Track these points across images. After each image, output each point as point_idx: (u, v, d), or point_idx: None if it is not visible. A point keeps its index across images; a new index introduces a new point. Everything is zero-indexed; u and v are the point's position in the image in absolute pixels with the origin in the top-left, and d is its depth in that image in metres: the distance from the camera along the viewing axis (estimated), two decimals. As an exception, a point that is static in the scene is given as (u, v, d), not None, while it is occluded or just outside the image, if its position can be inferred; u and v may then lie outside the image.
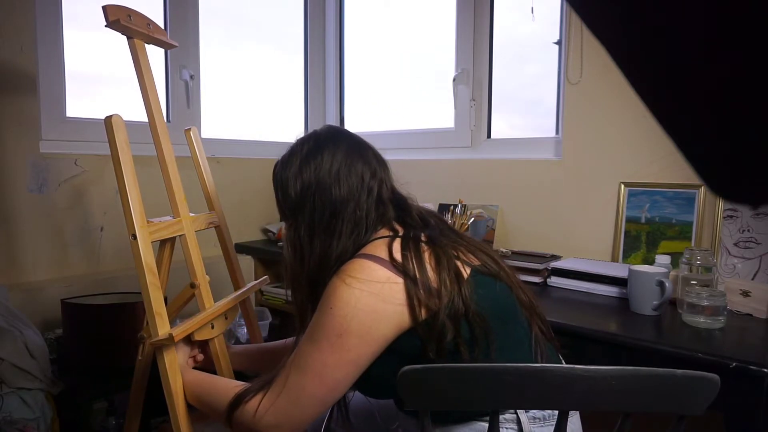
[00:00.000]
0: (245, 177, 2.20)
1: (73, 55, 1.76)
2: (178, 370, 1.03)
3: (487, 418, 0.82)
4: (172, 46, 1.32)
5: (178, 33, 2.03)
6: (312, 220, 0.93)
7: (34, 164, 1.64)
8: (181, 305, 1.21)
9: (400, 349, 0.84)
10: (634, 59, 0.26)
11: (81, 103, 1.81)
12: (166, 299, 1.09)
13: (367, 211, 0.93)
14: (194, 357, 1.19)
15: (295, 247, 0.95)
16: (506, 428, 0.87)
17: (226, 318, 1.22)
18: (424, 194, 2.07)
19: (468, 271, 0.88)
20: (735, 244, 1.42)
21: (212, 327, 1.16)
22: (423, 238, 0.90)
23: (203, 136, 2.12)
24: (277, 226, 2.19)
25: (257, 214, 2.27)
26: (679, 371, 0.69)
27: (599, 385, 0.69)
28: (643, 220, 1.63)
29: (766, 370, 0.95)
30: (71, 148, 1.74)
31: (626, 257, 1.65)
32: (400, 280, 0.83)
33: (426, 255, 0.87)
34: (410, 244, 0.88)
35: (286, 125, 2.58)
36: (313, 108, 2.61)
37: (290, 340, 1.07)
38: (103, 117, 1.05)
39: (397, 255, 0.85)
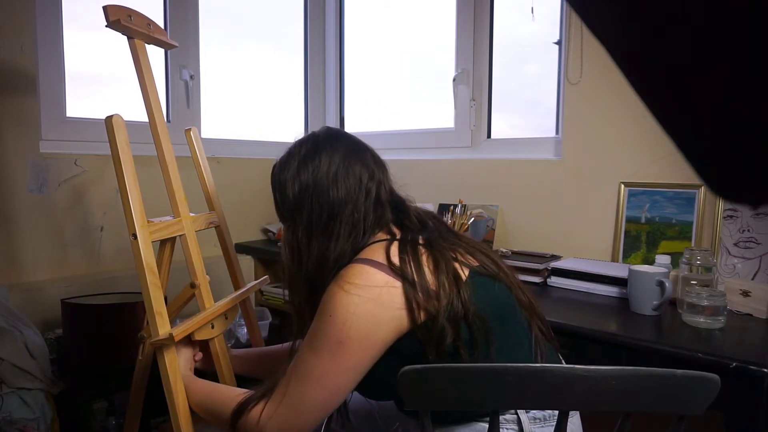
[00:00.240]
0: (245, 177, 2.20)
1: (73, 55, 1.76)
2: (178, 369, 1.03)
3: (488, 418, 0.82)
4: (172, 46, 1.32)
5: (178, 33, 2.03)
6: (310, 222, 0.93)
7: (34, 164, 1.64)
8: (181, 305, 1.21)
9: (400, 351, 0.84)
10: (634, 59, 0.26)
11: (81, 103, 1.81)
12: (166, 299, 1.09)
13: (365, 213, 0.93)
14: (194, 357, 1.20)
15: (292, 249, 0.95)
16: (507, 429, 0.87)
17: (226, 318, 1.22)
18: (424, 194, 2.07)
19: (466, 272, 0.88)
20: (735, 244, 1.42)
21: (212, 327, 1.16)
22: (421, 241, 0.90)
23: (203, 136, 2.12)
24: (277, 226, 2.19)
25: (257, 214, 2.27)
26: (679, 371, 0.69)
27: (599, 385, 0.69)
28: (643, 220, 1.63)
29: (766, 370, 0.95)
30: (71, 148, 1.74)
31: (626, 257, 1.65)
32: (398, 284, 0.83)
33: (424, 258, 0.87)
34: (408, 248, 0.88)
35: (286, 125, 2.58)
36: (313, 108, 2.61)
37: (290, 344, 1.07)
38: (103, 117, 1.05)
39: (395, 259, 0.85)
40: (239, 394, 0.94)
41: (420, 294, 0.82)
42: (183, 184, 1.23)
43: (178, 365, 1.04)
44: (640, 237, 1.63)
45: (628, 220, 1.66)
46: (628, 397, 0.70)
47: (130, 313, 1.47)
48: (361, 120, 2.62)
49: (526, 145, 1.99)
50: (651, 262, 1.48)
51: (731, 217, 1.44)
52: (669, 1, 0.23)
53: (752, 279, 1.38)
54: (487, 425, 0.82)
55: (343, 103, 2.63)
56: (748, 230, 1.41)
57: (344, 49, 2.61)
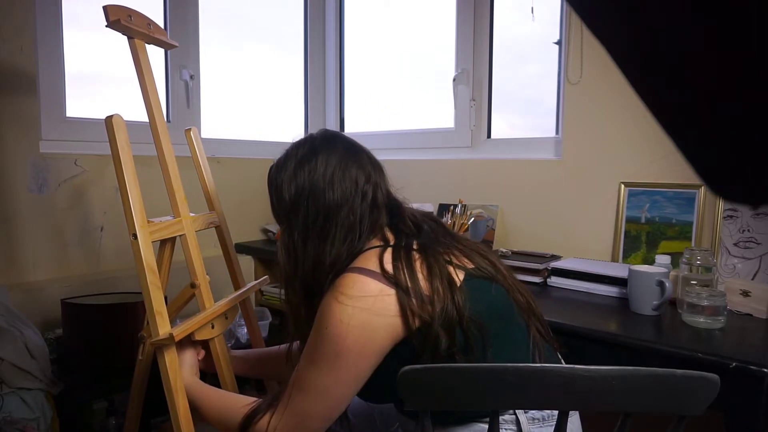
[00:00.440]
0: (245, 177, 2.20)
1: (73, 55, 1.76)
2: (178, 369, 1.03)
3: (487, 419, 0.82)
4: (172, 46, 1.32)
5: (178, 33, 2.03)
6: (305, 224, 0.93)
7: (34, 164, 1.64)
8: (182, 305, 1.22)
9: (397, 356, 0.85)
10: (634, 59, 0.26)
11: (81, 103, 1.81)
12: (166, 299, 1.09)
13: (361, 216, 0.93)
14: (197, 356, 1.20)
15: (288, 251, 0.95)
16: (505, 429, 0.87)
17: (226, 318, 1.22)
18: (424, 194, 2.08)
19: (461, 276, 0.88)
20: (735, 244, 1.42)
21: (212, 327, 1.16)
22: (415, 246, 0.90)
23: (203, 136, 2.12)
24: (277, 227, 2.18)
25: (257, 214, 2.27)
26: (679, 371, 0.69)
27: (599, 385, 0.69)
28: (643, 220, 1.63)
29: (766, 370, 0.95)
30: (71, 148, 1.74)
31: (626, 257, 1.65)
32: (392, 291, 0.83)
33: (417, 264, 0.87)
34: (401, 254, 0.88)
35: (286, 125, 2.58)
36: (313, 108, 2.61)
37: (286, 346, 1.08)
38: (103, 117, 1.05)
39: (388, 266, 0.86)
40: (246, 404, 0.95)
41: (414, 300, 0.82)
42: (183, 184, 1.23)
43: (178, 365, 1.04)
44: (640, 237, 1.63)
45: (628, 220, 1.66)
46: (628, 397, 0.70)
47: (130, 313, 1.47)
48: (361, 120, 2.62)
49: (526, 145, 1.99)
50: (651, 262, 1.48)
51: (731, 217, 1.44)
52: (669, 1, 0.23)
53: (752, 279, 1.38)
54: (486, 426, 0.82)
55: (343, 103, 2.62)
56: (748, 230, 1.41)
57: (344, 49, 2.61)
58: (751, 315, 1.27)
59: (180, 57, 2.06)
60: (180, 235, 1.19)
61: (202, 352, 1.20)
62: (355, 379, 0.85)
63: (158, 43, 1.27)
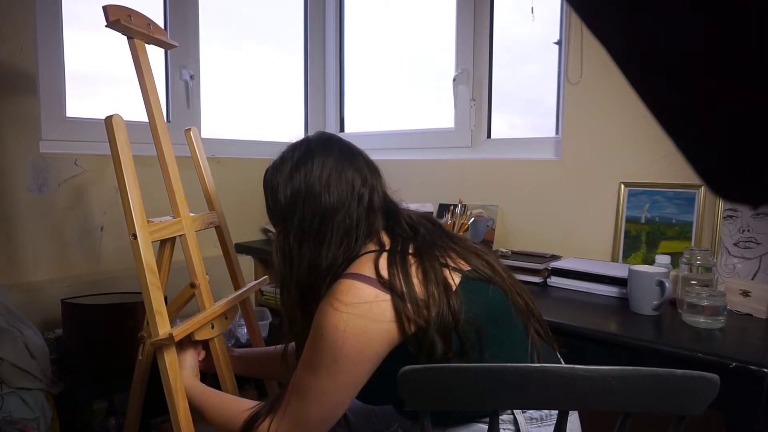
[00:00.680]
0: (245, 177, 2.20)
1: (73, 55, 1.76)
2: (178, 369, 1.03)
3: (487, 419, 0.82)
4: (172, 46, 1.32)
5: (178, 33, 2.03)
6: (301, 227, 0.93)
7: (34, 164, 1.64)
8: (181, 305, 1.22)
9: (394, 359, 0.85)
10: (634, 59, 0.26)
11: (81, 103, 1.81)
12: (166, 299, 1.09)
13: (357, 220, 0.92)
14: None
15: (284, 254, 0.96)
16: (504, 429, 0.87)
17: (226, 318, 1.22)
18: (424, 194, 2.08)
19: (458, 279, 0.88)
20: (735, 244, 1.42)
21: (212, 327, 1.16)
22: (410, 250, 0.90)
23: (203, 136, 2.12)
24: (277, 226, 2.19)
25: (257, 214, 2.27)
26: (679, 371, 0.69)
27: (599, 385, 0.69)
28: (643, 220, 1.63)
29: (766, 370, 0.95)
30: (71, 148, 1.74)
31: (626, 257, 1.65)
32: (387, 297, 0.83)
33: (413, 269, 0.87)
34: (397, 259, 0.88)
35: (286, 125, 2.58)
36: (313, 108, 2.61)
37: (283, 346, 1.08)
38: (103, 117, 1.05)
39: (384, 272, 0.85)
40: (247, 408, 0.95)
41: (409, 306, 0.82)
42: (183, 184, 1.23)
43: (178, 365, 1.04)
44: (640, 237, 1.63)
45: (628, 220, 1.66)
46: (628, 397, 0.70)
47: (130, 313, 1.47)
48: (361, 120, 2.62)
49: (526, 145, 1.99)
50: (651, 262, 1.48)
51: (731, 217, 1.44)
52: (669, 1, 0.23)
53: (752, 279, 1.38)
54: (485, 426, 0.82)
55: (343, 103, 2.62)
56: (748, 230, 1.41)
57: (344, 49, 2.61)
58: (751, 315, 1.27)
59: (180, 57, 2.06)
60: (180, 235, 1.19)
61: (203, 353, 1.20)
62: (353, 384, 0.85)
63: (158, 43, 1.27)
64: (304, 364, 0.88)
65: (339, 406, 0.87)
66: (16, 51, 1.60)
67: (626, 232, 1.66)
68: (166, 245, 1.20)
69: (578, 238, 1.77)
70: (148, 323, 1.02)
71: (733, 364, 0.97)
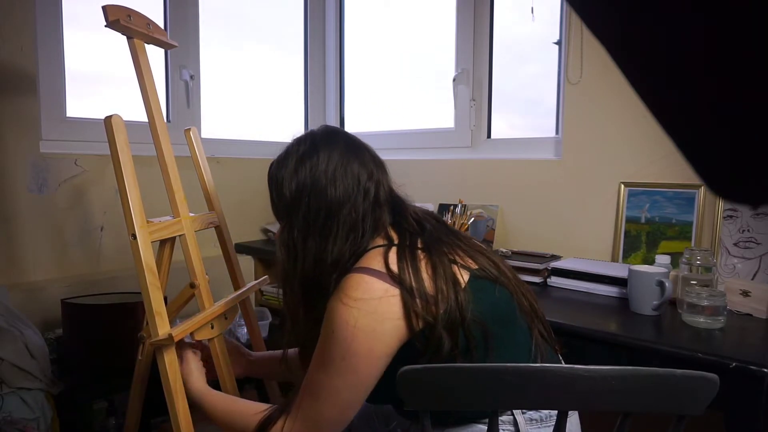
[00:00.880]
0: (245, 177, 2.20)
1: (73, 55, 1.76)
2: (178, 369, 1.03)
3: (486, 420, 0.82)
4: (172, 46, 1.32)
5: (178, 33, 2.03)
6: (306, 221, 0.92)
7: (34, 164, 1.64)
8: (181, 305, 1.21)
9: (396, 357, 0.84)
10: (634, 59, 0.26)
11: (81, 103, 1.81)
12: (166, 299, 1.09)
13: (364, 214, 0.91)
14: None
15: (288, 248, 0.94)
16: (503, 430, 0.87)
17: (226, 318, 1.22)
18: (424, 194, 2.07)
19: (466, 277, 0.87)
20: (735, 244, 1.42)
21: (212, 327, 1.16)
22: (419, 245, 0.89)
23: (203, 136, 2.12)
24: (277, 226, 2.18)
25: (257, 214, 2.27)
26: (679, 371, 0.69)
27: (599, 385, 0.69)
28: (643, 220, 1.63)
29: (766, 370, 0.95)
30: (71, 148, 1.74)
31: (626, 257, 1.65)
32: (396, 292, 0.83)
33: (422, 264, 0.86)
34: (406, 253, 0.87)
35: (286, 125, 2.58)
36: (313, 108, 2.61)
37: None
38: (103, 117, 1.05)
39: (393, 266, 0.85)
40: (259, 411, 0.94)
41: (418, 301, 0.82)
42: (183, 184, 1.23)
43: (178, 365, 1.04)
44: (640, 237, 1.63)
45: (628, 220, 1.66)
46: (628, 397, 0.70)
47: (130, 313, 1.47)
48: (361, 120, 2.62)
49: (526, 145, 1.99)
50: (651, 262, 1.48)
51: (731, 217, 1.44)
52: (669, 1, 0.23)
53: (752, 279, 1.38)
54: (485, 427, 0.82)
55: (343, 103, 2.62)
56: (748, 230, 1.41)
57: (344, 49, 2.61)
58: (751, 315, 1.27)
59: (180, 57, 2.05)
60: (179, 235, 1.19)
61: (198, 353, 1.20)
62: (365, 382, 0.85)
63: (158, 43, 1.27)
64: (316, 363, 0.87)
65: (352, 405, 0.86)
66: (16, 51, 1.59)
67: (626, 232, 1.66)
68: (165, 245, 1.20)
69: (578, 238, 1.77)
70: (147, 323, 1.02)
71: (733, 364, 0.97)
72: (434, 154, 2.22)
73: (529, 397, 0.71)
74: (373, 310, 0.82)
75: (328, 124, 1.02)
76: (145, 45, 1.22)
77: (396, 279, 0.83)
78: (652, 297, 1.25)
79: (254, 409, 0.95)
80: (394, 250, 0.88)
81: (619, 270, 1.44)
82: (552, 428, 0.79)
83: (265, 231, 2.28)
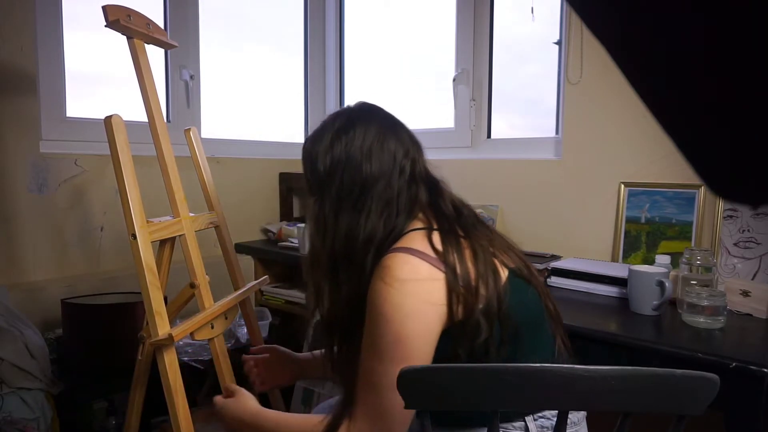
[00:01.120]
0: (245, 177, 2.20)
1: (73, 55, 1.76)
2: (178, 369, 1.03)
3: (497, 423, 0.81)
4: (171, 46, 1.33)
5: (178, 33, 2.03)
6: (339, 196, 0.89)
7: (34, 164, 1.64)
8: (181, 305, 1.22)
9: (436, 349, 0.82)
10: (634, 59, 0.26)
11: (81, 103, 1.81)
12: (166, 299, 1.09)
13: (399, 191, 0.89)
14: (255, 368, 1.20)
15: (318, 223, 0.91)
16: None
17: (226, 318, 1.22)
18: (424, 194, 2.07)
19: (506, 272, 0.86)
20: (735, 244, 1.42)
21: (212, 327, 1.16)
22: (460, 232, 0.88)
23: (203, 136, 2.12)
24: (277, 226, 2.19)
25: (257, 214, 2.27)
26: (679, 371, 0.69)
27: (599, 385, 0.69)
28: (643, 220, 1.63)
29: (766, 370, 0.95)
30: (71, 148, 1.74)
31: (626, 257, 1.65)
32: (441, 275, 0.81)
33: (466, 252, 0.84)
34: (450, 238, 0.85)
35: (286, 125, 2.58)
36: (313, 108, 2.61)
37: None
38: (103, 117, 1.05)
39: (439, 247, 0.83)
40: (316, 422, 0.87)
41: (461, 286, 0.80)
42: (183, 184, 1.23)
43: (177, 365, 1.03)
44: (640, 237, 1.63)
45: (628, 220, 1.66)
46: (628, 397, 0.70)
47: (130, 313, 1.47)
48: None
49: (526, 145, 1.99)
50: (651, 262, 1.48)
51: (731, 217, 1.44)
52: (669, 2, 0.23)
53: (752, 279, 1.38)
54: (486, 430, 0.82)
55: (343, 103, 2.62)
56: (748, 230, 1.41)
57: (344, 49, 2.61)
58: (751, 315, 1.26)
59: (180, 57, 2.05)
60: (179, 236, 1.19)
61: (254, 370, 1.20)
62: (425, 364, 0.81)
63: (157, 43, 1.27)
64: (368, 352, 0.83)
65: None
66: (16, 51, 1.59)
67: (626, 232, 1.66)
68: (165, 245, 1.20)
69: (578, 238, 1.77)
70: (148, 323, 1.02)
71: (733, 364, 0.97)
72: (434, 154, 2.19)
73: (529, 397, 0.71)
74: (421, 291, 0.80)
75: (362, 100, 0.98)
76: (145, 45, 1.22)
77: (442, 263, 0.81)
78: (652, 297, 1.25)
79: (311, 421, 0.90)
80: (436, 233, 0.86)
81: (619, 270, 1.44)
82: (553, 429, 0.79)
83: (265, 231, 2.28)
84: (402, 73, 2.50)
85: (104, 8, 1.11)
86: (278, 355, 1.22)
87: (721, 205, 1.47)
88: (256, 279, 1.75)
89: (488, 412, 0.73)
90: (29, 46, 1.62)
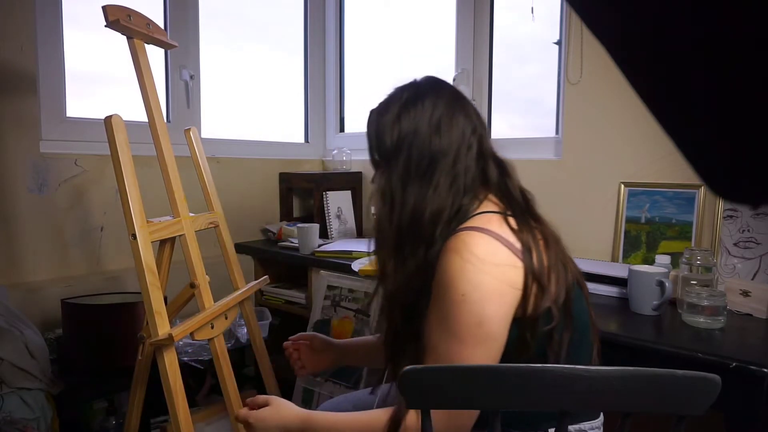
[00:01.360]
0: (245, 177, 2.20)
1: (73, 55, 1.76)
2: (178, 369, 1.03)
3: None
4: (171, 46, 1.33)
5: (178, 33, 2.03)
6: (407, 168, 0.87)
7: (34, 164, 1.64)
8: (181, 305, 1.22)
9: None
10: (634, 59, 0.26)
11: (81, 103, 1.81)
12: (166, 299, 1.09)
13: (467, 167, 0.87)
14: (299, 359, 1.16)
15: (385, 195, 0.89)
16: None
17: (226, 318, 1.22)
18: (424, 194, 2.07)
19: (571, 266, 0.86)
20: (735, 244, 1.42)
21: (212, 327, 1.16)
22: (531, 221, 0.87)
23: (203, 136, 2.12)
24: (277, 226, 2.19)
25: (257, 214, 2.27)
26: (680, 372, 0.69)
27: (599, 385, 0.69)
28: (643, 220, 1.63)
29: (766, 370, 0.95)
30: (71, 148, 1.74)
31: (626, 257, 1.65)
32: (519, 264, 0.80)
33: (540, 240, 0.84)
34: (525, 225, 0.84)
35: (285, 125, 2.58)
36: (313, 108, 2.61)
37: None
38: (103, 117, 1.05)
39: (520, 236, 0.82)
40: (382, 416, 0.83)
41: (537, 273, 0.79)
42: (183, 184, 1.23)
43: (178, 365, 1.04)
44: (640, 237, 1.63)
45: (628, 220, 1.66)
46: (628, 397, 0.70)
47: (130, 313, 1.47)
48: (361, 120, 2.61)
49: (526, 145, 1.99)
50: (651, 262, 1.48)
51: (731, 217, 1.44)
52: (669, 2, 0.23)
53: (752, 279, 1.38)
54: None
55: (343, 103, 2.62)
56: (748, 230, 1.41)
57: (344, 49, 2.61)
58: (751, 315, 1.26)
59: (180, 57, 2.05)
60: (179, 235, 1.19)
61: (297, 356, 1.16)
62: (501, 351, 0.79)
63: (157, 43, 1.27)
64: (445, 332, 0.79)
65: None
66: (16, 51, 1.59)
67: (626, 232, 1.66)
68: (165, 245, 1.20)
69: (578, 238, 1.77)
70: (148, 323, 1.02)
71: (733, 364, 0.97)
72: (434, 154, 2.21)
73: (529, 397, 0.71)
74: (500, 274, 0.78)
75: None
76: (145, 45, 1.22)
77: (521, 251, 0.80)
78: (652, 297, 1.25)
79: (371, 416, 0.86)
80: (512, 218, 0.84)
81: (619, 270, 1.44)
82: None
83: (265, 231, 2.28)
84: (402, 73, 2.49)
85: (104, 8, 1.11)
86: (318, 342, 1.19)
87: (721, 205, 1.47)
88: (256, 279, 1.75)
89: (489, 412, 0.72)
90: (29, 45, 1.62)
